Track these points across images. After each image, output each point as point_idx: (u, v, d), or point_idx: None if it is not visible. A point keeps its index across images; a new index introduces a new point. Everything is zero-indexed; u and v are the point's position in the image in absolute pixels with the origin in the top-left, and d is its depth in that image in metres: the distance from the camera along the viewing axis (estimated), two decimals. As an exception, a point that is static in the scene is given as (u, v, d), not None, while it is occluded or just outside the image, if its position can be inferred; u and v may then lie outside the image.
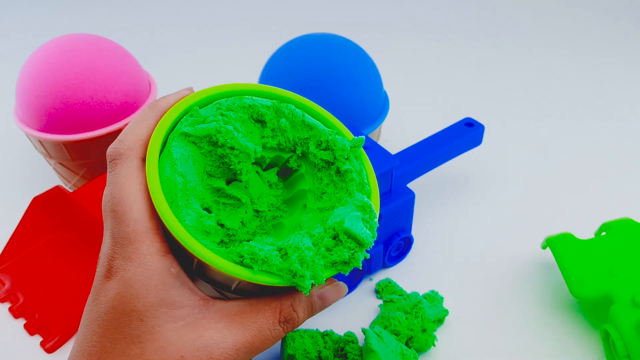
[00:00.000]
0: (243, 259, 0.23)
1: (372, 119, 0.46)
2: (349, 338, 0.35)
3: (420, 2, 0.87)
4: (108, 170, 0.24)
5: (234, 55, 0.76)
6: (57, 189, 0.43)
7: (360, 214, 0.25)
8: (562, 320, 0.38)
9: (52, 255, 0.44)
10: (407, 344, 0.36)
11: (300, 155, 0.28)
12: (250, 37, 0.80)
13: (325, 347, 0.35)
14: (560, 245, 0.38)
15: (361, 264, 0.25)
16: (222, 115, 0.27)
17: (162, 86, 0.58)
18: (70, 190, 0.44)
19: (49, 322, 0.40)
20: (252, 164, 0.28)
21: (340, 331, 0.38)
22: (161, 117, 0.25)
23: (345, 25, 0.81)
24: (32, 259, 0.44)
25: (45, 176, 0.54)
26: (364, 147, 0.40)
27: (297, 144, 0.28)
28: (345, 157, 0.27)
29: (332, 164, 0.27)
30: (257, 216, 0.28)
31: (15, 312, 0.41)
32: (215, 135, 0.26)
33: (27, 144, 0.58)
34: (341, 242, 0.24)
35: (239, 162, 0.26)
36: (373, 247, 0.40)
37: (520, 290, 0.41)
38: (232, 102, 0.27)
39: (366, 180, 0.27)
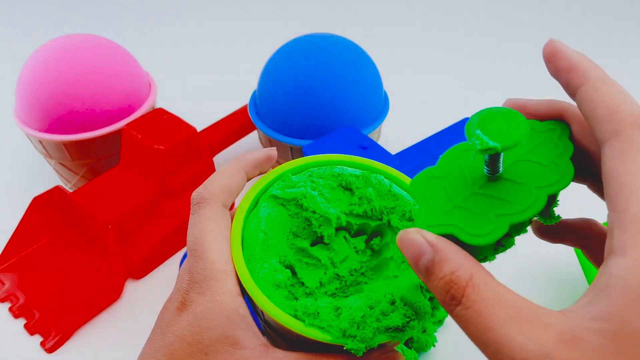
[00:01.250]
0: (297, 312, 0.24)
1: (372, 119, 0.46)
2: None
3: (420, 2, 0.87)
4: (192, 212, 0.26)
5: (234, 55, 0.76)
6: (57, 189, 0.43)
7: (424, 286, 0.25)
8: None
9: (52, 255, 0.44)
10: (407, 344, 0.36)
11: (386, 223, 0.29)
12: (251, 37, 0.80)
13: None
14: None
15: (418, 334, 0.25)
16: (312, 181, 0.29)
17: (162, 86, 0.58)
18: (71, 191, 0.44)
19: (49, 322, 0.40)
20: (340, 229, 0.29)
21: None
22: (245, 169, 0.27)
23: (345, 25, 0.81)
24: (32, 259, 0.44)
25: (46, 176, 0.54)
26: (364, 147, 0.40)
27: (383, 213, 0.29)
28: None
29: None
30: (337, 279, 0.28)
31: (15, 312, 0.41)
32: (301, 199, 0.28)
33: (28, 144, 0.58)
34: (397, 308, 0.24)
35: (320, 225, 0.28)
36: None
37: (521, 290, 0.41)
38: (323, 171, 0.29)
39: None
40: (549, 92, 0.69)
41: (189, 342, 0.23)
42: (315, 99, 0.43)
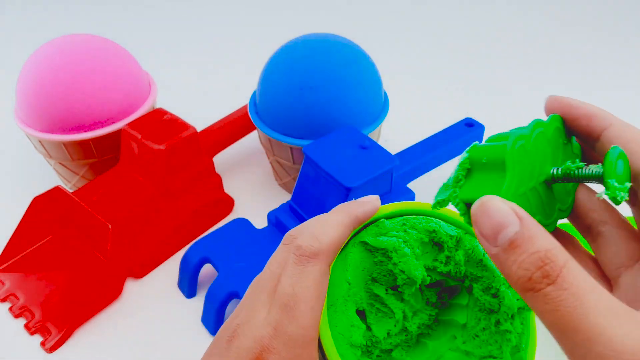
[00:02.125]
0: None
1: (372, 119, 0.46)
2: None
3: (420, 2, 0.87)
4: (296, 262, 0.23)
5: (234, 55, 0.76)
6: (57, 189, 0.43)
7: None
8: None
9: (52, 255, 0.44)
10: None
11: (466, 287, 0.28)
12: (251, 37, 0.80)
13: None
14: (571, 233, 0.37)
15: None
16: (404, 231, 0.27)
17: (162, 86, 0.58)
18: (71, 191, 0.44)
19: (49, 322, 0.40)
20: None
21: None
22: (354, 224, 0.26)
23: (345, 25, 0.81)
24: (32, 259, 0.44)
25: (46, 176, 0.54)
26: (364, 147, 0.40)
27: (467, 278, 0.28)
28: (510, 315, 0.26)
29: (495, 312, 0.26)
30: (405, 332, 0.27)
31: (16, 312, 0.41)
32: (391, 252, 0.26)
33: (28, 144, 0.58)
34: None
35: (404, 284, 0.27)
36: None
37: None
38: (418, 222, 0.28)
39: (524, 346, 0.26)
40: (548, 91, 0.69)
41: None
42: (315, 99, 0.43)
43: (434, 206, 0.23)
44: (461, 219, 0.28)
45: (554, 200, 0.23)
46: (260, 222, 0.46)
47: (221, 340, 0.23)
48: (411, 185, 0.48)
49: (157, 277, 0.44)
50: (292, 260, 0.23)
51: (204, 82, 0.70)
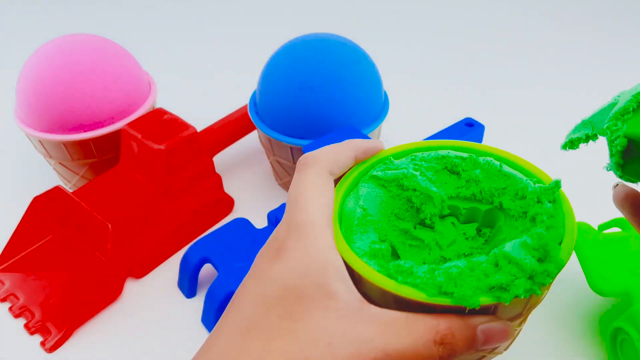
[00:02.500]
0: (390, 270, 0.23)
1: (372, 119, 0.46)
2: None
3: (420, 2, 0.87)
4: (296, 172, 0.26)
5: (234, 55, 0.76)
6: (57, 189, 0.43)
7: (529, 241, 0.22)
8: (565, 321, 0.38)
9: (52, 255, 0.44)
10: None
11: (498, 206, 0.27)
12: (251, 37, 0.80)
13: None
14: (577, 234, 0.36)
15: (525, 294, 0.22)
16: (414, 164, 0.28)
17: (162, 86, 0.58)
18: (71, 190, 0.44)
19: (49, 322, 0.40)
20: (447, 215, 0.28)
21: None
22: (355, 150, 0.27)
23: (345, 25, 0.81)
24: (32, 259, 0.44)
25: (46, 176, 0.54)
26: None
27: (493, 195, 0.27)
28: (536, 200, 0.26)
29: (527, 212, 0.26)
30: (444, 261, 0.26)
31: (15, 312, 0.41)
32: (402, 179, 0.27)
33: (28, 144, 0.58)
34: (501, 268, 0.22)
35: (422, 203, 0.27)
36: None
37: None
38: (427, 155, 0.28)
39: (561, 223, 0.25)
40: (550, 92, 0.69)
41: (282, 286, 0.22)
42: (315, 99, 0.43)
43: (565, 145, 0.22)
44: (470, 145, 0.29)
45: None
46: (260, 222, 0.46)
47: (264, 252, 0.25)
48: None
49: (157, 277, 0.44)
50: (295, 173, 0.26)
51: (204, 82, 0.70)
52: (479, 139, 0.47)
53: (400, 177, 0.27)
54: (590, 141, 0.20)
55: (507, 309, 0.23)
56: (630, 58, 0.72)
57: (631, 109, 0.20)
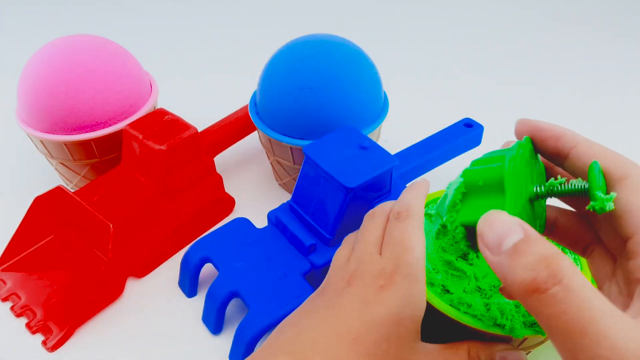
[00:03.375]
0: (452, 302, 0.29)
1: (371, 119, 0.46)
2: None
3: (420, 3, 0.87)
4: (397, 219, 0.28)
5: (234, 56, 0.76)
6: (59, 189, 0.43)
7: None
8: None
9: (53, 254, 0.44)
10: None
11: None
12: (251, 38, 0.80)
13: None
14: None
15: None
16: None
17: (163, 87, 0.58)
18: (72, 191, 0.44)
19: (50, 321, 0.40)
20: None
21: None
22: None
23: (345, 25, 0.81)
24: (33, 259, 0.44)
25: (47, 176, 0.54)
26: (363, 148, 0.41)
27: None
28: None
29: None
30: (479, 291, 0.32)
31: (17, 312, 0.41)
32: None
33: (29, 145, 0.58)
34: None
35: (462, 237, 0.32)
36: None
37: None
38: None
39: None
40: (549, 92, 0.69)
41: (388, 310, 0.25)
42: (315, 100, 0.43)
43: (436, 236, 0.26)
44: None
45: (535, 217, 0.25)
46: (260, 221, 0.47)
47: (337, 285, 0.28)
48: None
49: (158, 277, 0.44)
50: (393, 219, 0.28)
51: (204, 82, 0.70)
52: (478, 139, 0.48)
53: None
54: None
55: (534, 339, 0.29)
56: (630, 58, 0.73)
57: (458, 200, 0.24)
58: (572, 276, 0.17)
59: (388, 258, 0.27)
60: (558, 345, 0.17)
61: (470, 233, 0.24)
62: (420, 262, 0.26)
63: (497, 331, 0.27)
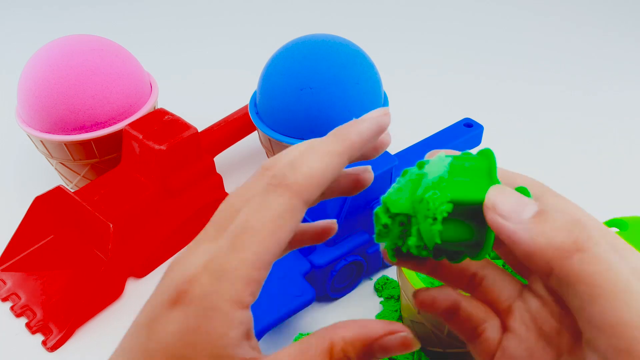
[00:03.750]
0: None
1: (371, 119, 0.46)
2: None
3: (420, 3, 0.87)
4: (263, 192, 0.20)
5: (234, 55, 0.76)
6: (59, 189, 0.43)
7: None
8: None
9: (53, 254, 0.44)
10: None
11: None
12: (251, 38, 0.80)
13: None
14: None
15: None
16: None
17: (163, 87, 0.58)
18: (72, 190, 0.44)
19: (50, 321, 0.40)
20: None
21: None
22: (349, 152, 0.21)
23: (345, 25, 0.81)
24: (33, 259, 0.44)
25: (47, 176, 0.54)
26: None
27: None
28: None
29: None
30: None
31: (17, 312, 0.41)
32: None
33: (29, 144, 0.58)
34: None
35: None
36: (372, 246, 0.40)
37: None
38: None
39: None
40: (549, 92, 0.69)
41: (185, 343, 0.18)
42: (315, 100, 0.43)
43: (393, 257, 0.22)
44: None
45: None
46: (260, 221, 0.46)
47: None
48: (411, 185, 0.48)
49: (158, 277, 0.44)
50: (260, 190, 0.20)
51: (204, 82, 0.70)
52: (477, 139, 0.48)
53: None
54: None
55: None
56: (629, 58, 0.73)
57: (445, 177, 0.20)
58: (606, 236, 0.17)
59: (208, 250, 0.19)
60: (598, 308, 0.17)
61: (458, 211, 0.20)
62: (246, 270, 0.18)
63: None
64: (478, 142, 0.48)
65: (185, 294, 0.18)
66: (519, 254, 0.18)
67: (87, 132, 0.45)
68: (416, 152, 0.45)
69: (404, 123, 0.59)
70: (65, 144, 0.46)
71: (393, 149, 0.51)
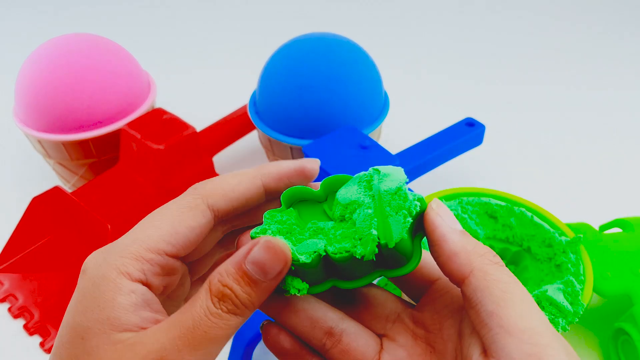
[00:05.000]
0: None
1: (372, 118, 0.46)
2: None
3: (421, 3, 0.87)
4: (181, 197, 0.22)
5: (233, 54, 0.76)
6: (57, 189, 0.43)
7: (563, 287, 0.30)
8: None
9: (51, 255, 0.44)
10: None
11: (526, 249, 0.35)
12: (250, 37, 0.80)
13: None
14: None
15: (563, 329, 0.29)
16: (462, 207, 0.35)
17: (161, 86, 0.58)
18: (70, 191, 0.44)
19: (48, 323, 0.40)
20: None
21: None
22: (263, 178, 0.23)
23: (345, 25, 0.81)
24: (31, 260, 0.44)
25: (45, 176, 0.54)
26: (364, 147, 0.40)
27: (523, 239, 0.35)
28: (562, 251, 0.33)
29: (552, 258, 0.33)
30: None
31: (15, 313, 0.40)
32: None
33: (27, 144, 0.58)
34: (543, 308, 0.29)
35: None
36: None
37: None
38: (472, 200, 0.36)
39: (582, 272, 0.32)
40: (550, 91, 0.69)
41: (70, 325, 0.20)
42: (315, 99, 0.43)
43: (368, 256, 0.21)
44: (507, 195, 0.35)
45: None
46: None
47: None
48: (412, 185, 0.47)
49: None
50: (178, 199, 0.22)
51: (203, 81, 0.70)
52: (479, 138, 0.47)
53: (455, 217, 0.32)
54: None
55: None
56: (630, 58, 0.72)
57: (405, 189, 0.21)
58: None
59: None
60: (510, 312, 0.18)
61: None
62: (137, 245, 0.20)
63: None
64: (480, 142, 0.47)
65: (85, 268, 0.21)
66: (445, 252, 0.20)
67: (84, 131, 0.45)
68: (418, 152, 0.45)
69: (405, 122, 0.59)
70: (62, 144, 0.45)
71: (394, 149, 0.51)
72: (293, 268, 0.20)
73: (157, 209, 0.21)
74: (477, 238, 0.33)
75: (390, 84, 0.54)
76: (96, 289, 0.20)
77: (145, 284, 0.20)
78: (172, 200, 0.22)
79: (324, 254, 0.20)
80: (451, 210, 0.31)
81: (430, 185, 0.50)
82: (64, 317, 0.21)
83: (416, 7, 0.86)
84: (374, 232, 0.19)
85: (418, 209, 0.20)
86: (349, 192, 0.21)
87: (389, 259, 0.20)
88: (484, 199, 0.35)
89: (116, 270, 0.20)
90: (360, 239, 0.20)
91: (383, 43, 0.76)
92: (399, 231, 0.19)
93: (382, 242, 0.19)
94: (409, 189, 0.22)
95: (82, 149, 0.46)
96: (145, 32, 0.82)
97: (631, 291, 0.34)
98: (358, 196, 0.21)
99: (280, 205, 0.22)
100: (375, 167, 0.22)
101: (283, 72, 0.44)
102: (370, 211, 0.20)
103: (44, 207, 0.44)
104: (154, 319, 0.20)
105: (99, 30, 0.54)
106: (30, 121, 0.45)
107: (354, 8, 0.87)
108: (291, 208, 0.22)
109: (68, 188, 0.51)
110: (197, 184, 0.22)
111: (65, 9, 0.89)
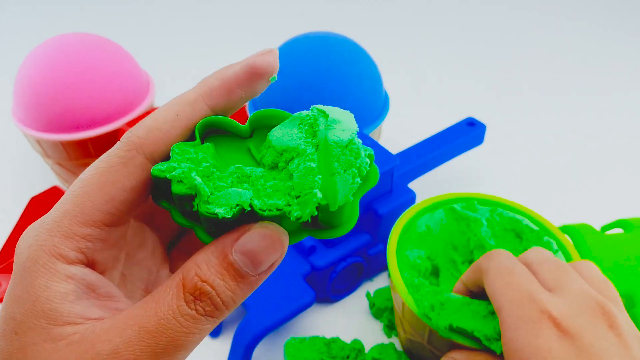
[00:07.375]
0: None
1: (372, 118, 0.46)
2: (356, 346, 0.35)
3: (421, 2, 0.87)
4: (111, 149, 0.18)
5: (233, 54, 0.75)
6: (55, 188, 0.43)
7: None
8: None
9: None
10: None
11: None
12: (250, 36, 0.79)
13: (330, 356, 0.34)
14: (579, 235, 0.37)
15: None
16: (490, 216, 0.36)
17: (160, 85, 0.58)
18: (68, 190, 0.44)
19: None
20: None
21: (347, 338, 0.37)
22: (206, 100, 0.18)
23: (345, 24, 0.81)
24: (29, 260, 0.43)
25: (43, 176, 0.54)
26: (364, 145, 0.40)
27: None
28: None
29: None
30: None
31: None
32: (472, 222, 0.36)
33: (25, 144, 0.57)
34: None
35: (475, 248, 0.35)
36: (373, 247, 0.39)
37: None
38: (506, 213, 0.36)
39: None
40: (551, 91, 0.69)
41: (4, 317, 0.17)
42: (316, 98, 0.43)
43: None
44: (545, 221, 0.35)
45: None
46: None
47: None
48: (412, 185, 0.47)
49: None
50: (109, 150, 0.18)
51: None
52: (480, 138, 0.47)
53: (472, 219, 0.34)
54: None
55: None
56: (632, 58, 0.72)
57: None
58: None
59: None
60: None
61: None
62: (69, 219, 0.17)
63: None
64: (480, 141, 0.47)
65: (16, 248, 0.17)
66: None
67: (83, 131, 0.45)
68: (419, 152, 0.45)
69: (405, 122, 0.59)
70: (61, 143, 0.45)
71: (394, 148, 0.51)
72: (202, 218, 0.16)
73: (88, 168, 0.18)
74: (487, 249, 0.34)
75: (390, 83, 0.54)
76: (28, 275, 0.16)
77: (87, 264, 0.17)
78: (103, 155, 0.18)
79: (249, 209, 0.16)
80: (478, 215, 0.34)
81: (430, 185, 0.50)
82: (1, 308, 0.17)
83: (417, 6, 0.86)
84: (318, 193, 0.16)
85: (368, 167, 0.17)
86: (286, 134, 0.17)
87: (322, 220, 0.17)
88: (518, 216, 0.35)
89: (47, 253, 0.16)
90: (296, 197, 0.16)
91: (383, 42, 0.76)
92: (344, 193, 0.16)
93: (323, 203, 0.16)
94: (361, 141, 0.18)
95: (80, 148, 0.46)
96: (144, 31, 0.81)
97: (633, 292, 0.34)
98: (298, 142, 0.17)
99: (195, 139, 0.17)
100: (320, 106, 0.18)
101: (283, 71, 0.44)
102: (313, 165, 0.16)
103: (42, 207, 0.43)
104: (102, 305, 0.17)
105: (99, 30, 0.54)
106: (29, 121, 0.45)
107: (354, 8, 0.87)
108: (207, 143, 0.17)
109: (67, 188, 0.51)
110: (131, 128, 0.18)
111: (65, 9, 0.89)
